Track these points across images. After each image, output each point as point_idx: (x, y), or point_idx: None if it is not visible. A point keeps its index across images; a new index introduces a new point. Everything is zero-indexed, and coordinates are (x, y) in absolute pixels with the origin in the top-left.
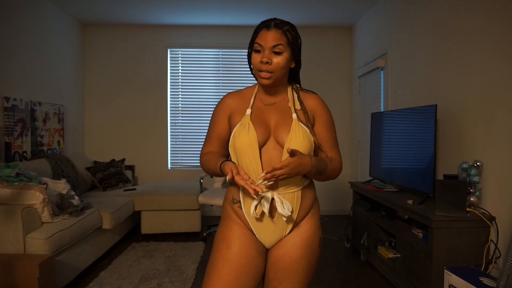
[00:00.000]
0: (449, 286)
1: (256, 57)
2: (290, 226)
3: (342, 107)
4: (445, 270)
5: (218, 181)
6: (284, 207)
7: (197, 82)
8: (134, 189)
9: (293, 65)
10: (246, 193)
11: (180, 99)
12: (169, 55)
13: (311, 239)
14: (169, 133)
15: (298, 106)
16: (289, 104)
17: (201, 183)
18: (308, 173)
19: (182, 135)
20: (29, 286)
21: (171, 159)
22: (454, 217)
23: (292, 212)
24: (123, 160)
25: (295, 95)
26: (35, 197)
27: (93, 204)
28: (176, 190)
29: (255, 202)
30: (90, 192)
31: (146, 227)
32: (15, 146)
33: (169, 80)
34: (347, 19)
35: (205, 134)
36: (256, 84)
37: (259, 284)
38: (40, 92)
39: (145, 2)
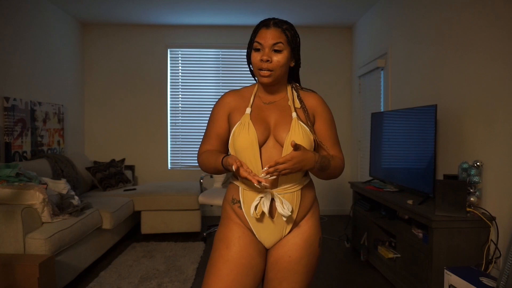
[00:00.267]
0: (449, 286)
1: (256, 56)
2: (290, 226)
3: (342, 107)
4: (445, 270)
5: (218, 181)
6: (284, 207)
7: (197, 82)
8: (134, 189)
9: (292, 64)
10: (246, 193)
11: (180, 99)
12: (169, 55)
13: (311, 239)
14: (169, 133)
15: (297, 105)
16: (289, 103)
17: (201, 183)
18: (311, 169)
19: (182, 135)
20: (29, 286)
21: (171, 159)
22: (454, 217)
23: (292, 212)
24: (123, 160)
25: (295, 94)
26: (35, 197)
27: (93, 204)
28: (176, 190)
29: (255, 202)
30: (90, 192)
31: (146, 227)
32: (15, 146)
33: (169, 80)
34: (347, 19)
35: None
36: (255, 83)
37: (259, 284)
38: (40, 92)
39: (145, 2)
